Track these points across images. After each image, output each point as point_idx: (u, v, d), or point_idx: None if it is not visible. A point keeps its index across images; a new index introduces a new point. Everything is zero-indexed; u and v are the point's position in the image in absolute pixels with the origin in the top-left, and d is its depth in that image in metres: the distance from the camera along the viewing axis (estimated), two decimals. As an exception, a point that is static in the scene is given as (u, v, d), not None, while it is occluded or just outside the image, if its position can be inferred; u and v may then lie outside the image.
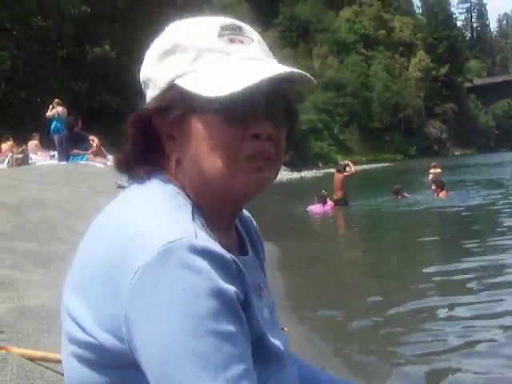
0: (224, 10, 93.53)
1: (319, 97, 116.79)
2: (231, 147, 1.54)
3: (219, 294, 1.38)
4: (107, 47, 52.96)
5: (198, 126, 1.55)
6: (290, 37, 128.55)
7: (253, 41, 1.64)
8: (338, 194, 23.60)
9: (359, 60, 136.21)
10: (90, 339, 1.48)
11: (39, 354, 4.00)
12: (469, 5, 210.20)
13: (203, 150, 1.56)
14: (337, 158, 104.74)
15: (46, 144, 28.57)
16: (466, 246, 13.27)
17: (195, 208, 1.57)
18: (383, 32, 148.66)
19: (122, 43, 54.30)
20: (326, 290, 10.09)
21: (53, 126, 26.61)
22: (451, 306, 8.55)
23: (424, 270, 10.96)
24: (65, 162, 24.35)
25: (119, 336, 1.42)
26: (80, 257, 1.57)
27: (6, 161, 23.59)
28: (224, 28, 1.60)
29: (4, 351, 3.94)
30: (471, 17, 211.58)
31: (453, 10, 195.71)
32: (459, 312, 8.28)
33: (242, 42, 1.60)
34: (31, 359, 3.83)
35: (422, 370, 6.26)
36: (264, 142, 1.57)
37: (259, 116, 1.55)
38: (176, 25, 1.65)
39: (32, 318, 4.93)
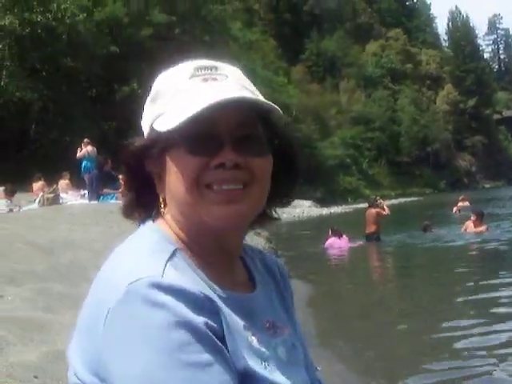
0: (250, 46, 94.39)
1: (347, 132, 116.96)
2: (194, 175, 1.58)
3: (187, 326, 1.41)
4: (135, 85, 53.31)
5: (170, 161, 1.62)
6: (317, 72, 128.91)
7: (227, 77, 1.66)
8: (371, 229, 23.49)
9: (386, 94, 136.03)
10: (79, 382, 1.54)
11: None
12: (495, 36, 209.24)
13: (173, 182, 1.62)
14: (366, 192, 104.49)
15: (77, 183, 28.78)
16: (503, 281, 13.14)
17: (181, 251, 1.60)
18: (410, 66, 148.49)
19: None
20: (358, 329, 10.02)
21: (83, 165, 26.82)
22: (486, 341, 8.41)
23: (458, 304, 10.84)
24: (95, 202, 24.47)
25: (101, 377, 1.47)
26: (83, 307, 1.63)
27: (37, 200, 23.77)
28: (198, 69, 1.67)
29: (38, 397, 3.92)
30: (498, 48, 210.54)
31: (479, 41, 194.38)
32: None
33: (215, 79, 1.65)
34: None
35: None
36: (230, 171, 1.58)
37: (224, 146, 1.58)
38: (161, 73, 1.74)
39: (65, 361, 4.91)
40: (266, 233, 25.56)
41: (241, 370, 1.53)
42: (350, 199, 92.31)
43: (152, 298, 1.42)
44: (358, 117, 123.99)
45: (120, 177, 27.04)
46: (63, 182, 28.03)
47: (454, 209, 35.02)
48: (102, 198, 25.75)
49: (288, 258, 19.60)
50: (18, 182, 27.51)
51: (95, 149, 27.57)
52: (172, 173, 1.63)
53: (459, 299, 12.13)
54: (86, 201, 25.27)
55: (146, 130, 1.71)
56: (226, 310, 1.57)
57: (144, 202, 1.74)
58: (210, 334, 1.45)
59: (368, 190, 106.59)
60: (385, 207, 24.01)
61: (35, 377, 4.40)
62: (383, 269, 18.58)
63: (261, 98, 1.63)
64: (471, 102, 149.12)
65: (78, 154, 27.08)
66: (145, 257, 1.55)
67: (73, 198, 26.49)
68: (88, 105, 53.51)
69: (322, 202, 68.67)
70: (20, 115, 46.60)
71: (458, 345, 8.51)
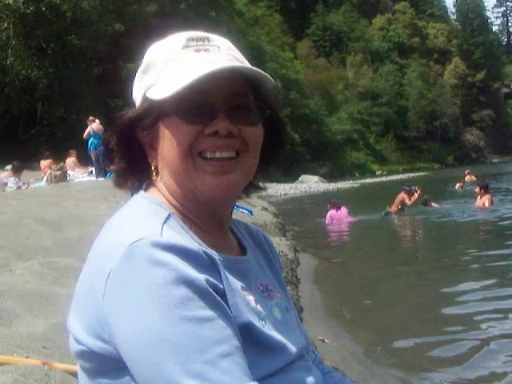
0: (256, 21, 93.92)
1: (354, 107, 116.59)
2: (187, 143, 1.65)
3: (187, 282, 1.46)
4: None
5: (163, 130, 1.69)
6: (323, 46, 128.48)
7: (219, 48, 1.72)
8: (393, 208, 23.80)
9: (393, 68, 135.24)
10: (83, 348, 1.59)
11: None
12: (504, 9, 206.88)
13: (166, 151, 1.68)
14: (373, 167, 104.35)
15: (84, 161, 28.77)
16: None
17: (175, 216, 1.68)
18: (417, 39, 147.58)
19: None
20: (365, 301, 10.02)
21: (89, 142, 26.80)
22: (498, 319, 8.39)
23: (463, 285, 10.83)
24: (102, 178, 24.45)
25: (103, 338, 1.53)
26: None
27: (45, 178, 23.79)
28: (190, 40, 1.73)
29: (46, 367, 3.95)
30: (507, 21, 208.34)
31: (488, 14, 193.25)
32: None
33: (207, 50, 1.70)
34: (73, 374, 3.82)
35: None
36: (223, 138, 1.65)
37: (217, 114, 1.64)
38: (152, 46, 1.80)
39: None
40: (273, 208, 25.62)
41: (241, 326, 1.59)
42: (357, 174, 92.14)
43: (153, 257, 1.47)
44: (365, 91, 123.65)
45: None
46: (70, 160, 28.03)
47: (457, 185, 34.71)
48: (109, 174, 25.72)
49: (295, 233, 19.63)
50: (25, 160, 27.56)
51: (101, 126, 27.54)
52: (165, 141, 1.69)
53: (466, 270, 12.13)
54: (93, 178, 25.25)
55: (137, 100, 1.77)
56: (223, 270, 1.62)
57: (136, 172, 1.80)
58: (211, 290, 1.50)
59: (375, 165, 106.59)
60: (415, 195, 23.94)
61: (44, 347, 4.43)
62: (387, 242, 18.50)
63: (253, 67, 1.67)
64: (479, 76, 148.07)
65: (84, 135, 27.08)
66: (141, 220, 1.60)
67: (80, 175, 26.51)
68: (94, 82, 53.43)
69: (329, 177, 68.65)
70: (26, 94, 46.58)
71: (468, 317, 8.49)
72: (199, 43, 1.71)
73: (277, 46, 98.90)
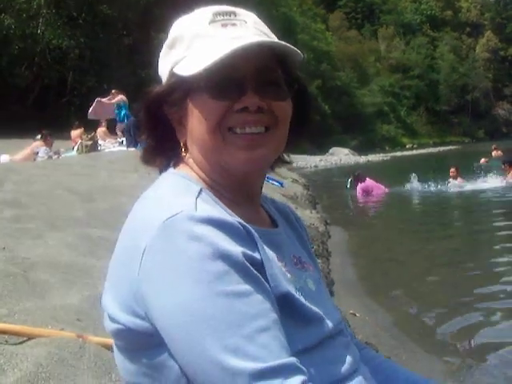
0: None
1: (385, 79, 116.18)
2: (217, 119, 1.63)
3: (224, 257, 1.45)
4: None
5: (192, 106, 1.68)
6: (355, 18, 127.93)
7: (246, 23, 1.70)
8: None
9: (425, 41, 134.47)
10: (118, 326, 1.59)
11: (116, 342, 3.99)
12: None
13: (195, 127, 1.68)
14: (403, 141, 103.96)
15: (115, 131, 28.76)
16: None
17: (207, 190, 1.67)
18: (450, 12, 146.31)
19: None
20: (396, 276, 10.00)
21: (120, 113, 26.77)
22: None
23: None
24: (133, 149, 24.50)
25: (140, 314, 1.53)
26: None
27: (76, 148, 23.89)
28: (216, 14, 1.71)
29: (81, 339, 3.95)
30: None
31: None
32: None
33: (234, 25, 1.69)
34: (108, 348, 3.82)
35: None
36: (253, 114, 1.64)
37: (247, 90, 1.63)
38: (177, 20, 1.80)
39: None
40: (304, 180, 25.60)
41: (280, 295, 1.59)
42: (387, 147, 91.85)
43: (189, 231, 1.47)
44: (397, 64, 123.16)
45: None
46: (101, 130, 28.05)
47: (482, 160, 34.47)
48: (139, 145, 25.74)
49: (325, 205, 19.61)
50: (56, 129, 27.66)
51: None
52: (194, 117, 1.68)
53: (500, 247, 12.03)
54: (123, 148, 25.31)
55: (164, 76, 1.76)
56: (259, 240, 1.62)
57: (164, 149, 1.79)
58: (248, 264, 1.49)
59: (406, 139, 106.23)
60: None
61: (78, 320, 4.43)
62: (419, 215, 18.43)
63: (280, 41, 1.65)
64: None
65: (113, 101, 26.95)
66: (174, 196, 1.61)
67: (111, 144, 26.55)
68: (125, 52, 53.46)
69: (360, 149, 68.36)
70: (57, 63, 46.79)
71: (503, 293, 8.44)
72: (226, 18, 1.70)
73: (308, 17, 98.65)
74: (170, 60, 1.73)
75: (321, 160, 52.90)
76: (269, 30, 1.76)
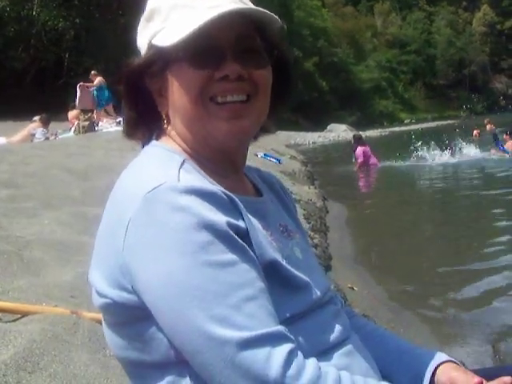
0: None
1: (382, 55, 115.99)
2: (198, 88, 1.63)
3: (208, 226, 1.46)
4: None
5: (172, 77, 1.67)
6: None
7: None
8: None
9: (422, 16, 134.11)
10: (106, 300, 1.60)
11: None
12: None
13: (177, 97, 1.67)
14: (402, 116, 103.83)
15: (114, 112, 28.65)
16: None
17: (190, 161, 1.66)
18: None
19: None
20: (395, 250, 10.00)
21: (106, 94, 26.56)
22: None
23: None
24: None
25: (126, 287, 1.53)
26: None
27: (73, 128, 23.85)
28: None
29: (75, 315, 3.96)
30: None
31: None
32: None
33: None
34: (101, 323, 3.81)
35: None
36: (234, 82, 1.63)
37: (226, 58, 1.63)
38: None
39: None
40: (302, 156, 25.59)
41: (266, 263, 1.59)
42: (385, 123, 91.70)
43: (172, 202, 1.47)
44: (394, 40, 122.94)
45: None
46: (98, 110, 27.99)
47: (474, 132, 34.81)
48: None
49: (323, 181, 19.58)
50: (53, 110, 27.58)
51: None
52: (175, 88, 1.67)
53: (498, 221, 12.00)
54: (121, 128, 25.26)
55: (143, 48, 1.76)
56: (244, 209, 1.62)
57: (146, 121, 1.78)
58: (232, 233, 1.49)
59: (404, 114, 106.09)
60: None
61: (72, 296, 4.43)
62: (417, 190, 18.40)
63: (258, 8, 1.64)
64: (508, 24, 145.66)
65: (94, 83, 26.76)
66: (157, 168, 1.61)
67: (108, 125, 26.49)
68: (120, 32, 53.32)
69: (358, 125, 68.16)
70: (53, 45, 46.64)
71: (497, 268, 8.42)
72: None
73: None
74: (148, 32, 1.73)
75: (319, 136, 52.82)
76: None
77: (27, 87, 45.43)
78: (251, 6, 1.68)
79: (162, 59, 1.67)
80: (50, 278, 4.83)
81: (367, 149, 22.57)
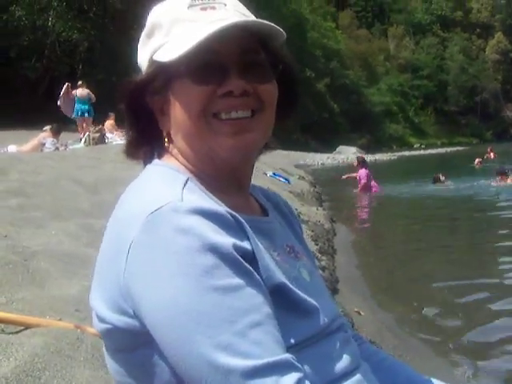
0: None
1: (394, 79, 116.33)
2: (201, 105, 1.58)
3: (213, 249, 1.40)
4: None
5: (174, 93, 1.63)
6: (365, 17, 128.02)
7: (226, 5, 1.65)
8: None
9: (435, 42, 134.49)
10: (107, 326, 1.54)
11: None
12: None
13: (179, 114, 1.62)
14: (411, 141, 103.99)
15: (123, 124, 28.75)
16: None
17: (194, 180, 1.61)
18: (460, 13, 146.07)
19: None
20: (404, 275, 9.95)
21: (77, 108, 26.60)
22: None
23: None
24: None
25: (127, 312, 1.48)
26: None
27: (83, 140, 23.92)
28: None
29: (79, 330, 3.90)
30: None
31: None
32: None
33: (213, 8, 1.64)
34: (106, 340, 3.77)
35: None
36: (238, 98, 1.59)
37: (230, 73, 1.58)
38: (155, 7, 1.75)
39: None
40: (310, 177, 25.59)
41: (273, 286, 1.53)
42: (395, 147, 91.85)
43: (176, 224, 1.42)
44: (406, 64, 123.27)
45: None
46: (109, 123, 28.07)
47: (476, 161, 34.94)
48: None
49: (331, 203, 19.61)
50: (64, 121, 27.67)
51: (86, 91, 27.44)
52: (177, 105, 1.63)
53: (504, 247, 11.96)
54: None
55: (144, 65, 1.73)
56: (250, 230, 1.56)
57: (148, 140, 1.74)
58: (238, 256, 1.44)
59: (413, 138, 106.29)
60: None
61: (76, 310, 4.38)
62: (424, 215, 18.36)
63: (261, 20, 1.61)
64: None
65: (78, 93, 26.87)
66: (160, 188, 1.56)
67: (118, 138, 26.55)
68: (134, 45, 53.59)
69: (367, 148, 68.41)
70: (67, 56, 46.92)
71: (504, 293, 8.40)
72: (204, 1, 1.65)
73: (319, 15, 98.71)
74: (149, 48, 1.71)
75: (328, 158, 52.93)
76: (249, 12, 1.71)
77: (40, 97, 45.63)
78: (254, 18, 1.65)
79: (163, 75, 1.64)
80: (55, 291, 4.77)
81: (370, 173, 22.63)
